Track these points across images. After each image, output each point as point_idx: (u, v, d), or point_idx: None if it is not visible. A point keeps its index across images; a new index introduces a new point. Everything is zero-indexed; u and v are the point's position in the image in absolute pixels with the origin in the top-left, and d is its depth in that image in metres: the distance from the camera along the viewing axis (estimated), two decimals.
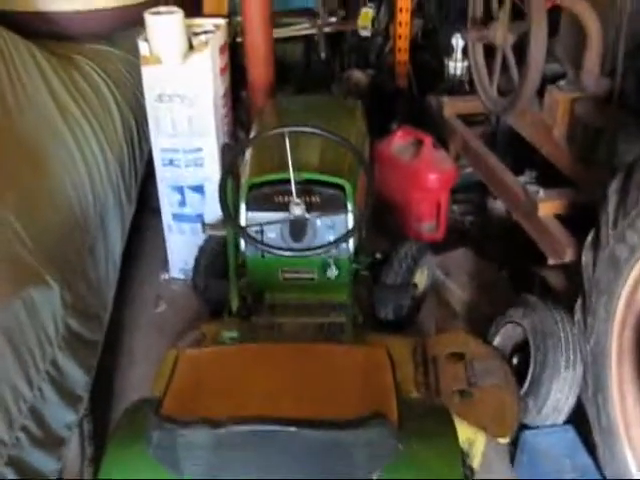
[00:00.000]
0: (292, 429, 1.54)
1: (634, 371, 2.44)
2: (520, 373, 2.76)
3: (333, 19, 5.14)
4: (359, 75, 5.12)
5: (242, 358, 2.06)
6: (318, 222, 2.54)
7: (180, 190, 3.61)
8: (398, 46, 4.94)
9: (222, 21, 3.66)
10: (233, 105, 3.85)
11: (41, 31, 3.57)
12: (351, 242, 2.58)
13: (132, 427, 1.87)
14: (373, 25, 5.21)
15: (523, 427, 2.66)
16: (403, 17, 4.86)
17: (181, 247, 3.75)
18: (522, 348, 2.84)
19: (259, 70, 3.82)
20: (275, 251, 2.39)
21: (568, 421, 2.68)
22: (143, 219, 4.11)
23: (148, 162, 3.75)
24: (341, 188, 2.58)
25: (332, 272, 2.61)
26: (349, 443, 1.59)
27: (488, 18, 3.46)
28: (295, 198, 2.45)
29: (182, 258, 3.76)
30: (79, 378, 2.48)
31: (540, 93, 3.24)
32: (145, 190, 3.87)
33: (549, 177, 3.30)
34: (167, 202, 3.66)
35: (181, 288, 3.79)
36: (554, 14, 3.11)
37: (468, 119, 4.11)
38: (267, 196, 2.59)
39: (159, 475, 1.67)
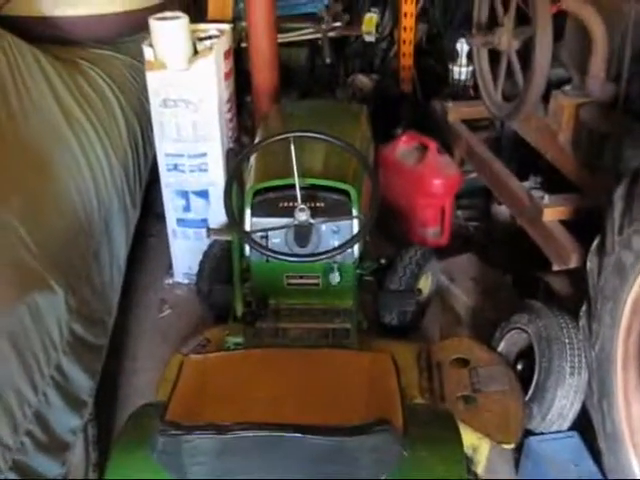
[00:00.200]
0: (297, 435, 1.54)
1: (639, 377, 2.43)
2: (525, 379, 2.76)
3: (337, 24, 5.13)
4: (363, 80, 5.12)
5: (247, 363, 2.06)
6: (323, 227, 2.54)
7: (184, 195, 3.61)
8: (402, 51, 4.95)
9: (227, 26, 3.66)
10: (238, 110, 3.85)
11: (45, 36, 3.57)
12: (356, 248, 2.58)
13: (137, 432, 1.87)
14: (377, 30, 5.21)
15: (528, 433, 2.66)
16: (407, 22, 4.87)
17: (185, 252, 3.75)
18: (527, 354, 2.84)
19: (264, 75, 3.82)
20: (280, 257, 2.39)
21: (573, 427, 2.67)
22: (147, 224, 4.12)
23: (152, 167, 3.75)
24: (346, 193, 2.58)
25: (337, 278, 2.61)
26: (354, 449, 1.59)
27: (493, 23, 3.46)
28: (300, 203, 2.44)
29: (186, 263, 3.76)
30: (84, 383, 2.48)
31: (545, 98, 3.24)
32: (149, 195, 3.87)
33: (554, 182, 3.29)
34: (171, 207, 3.66)
35: (185, 293, 3.79)
36: (559, 19, 3.10)
37: (473, 124, 4.11)
38: (272, 201, 2.58)
39: None
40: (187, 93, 3.36)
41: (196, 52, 3.36)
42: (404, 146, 4.02)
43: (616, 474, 2.49)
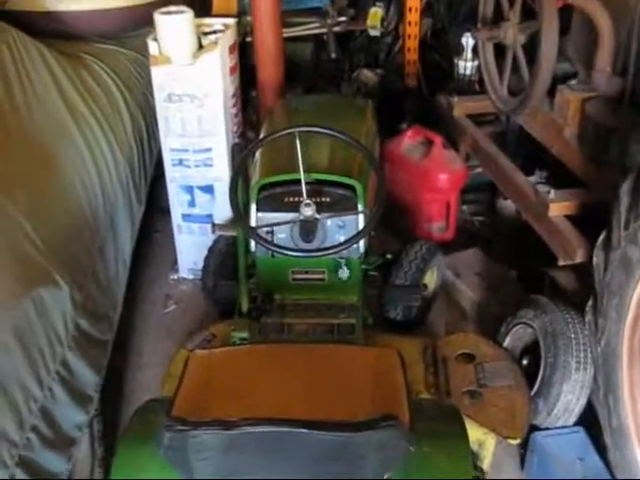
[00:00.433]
0: (304, 431, 1.54)
1: None
2: (530, 374, 2.75)
3: (343, 18, 5.12)
4: (368, 74, 5.11)
5: (252, 359, 2.06)
6: (328, 222, 2.53)
7: (190, 190, 3.61)
8: (407, 45, 4.93)
9: (231, 21, 3.65)
10: (243, 105, 3.84)
11: (49, 31, 3.57)
12: (362, 243, 2.57)
13: (142, 428, 1.88)
14: (382, 24, 5.20)
15: (533, 428, 2.66)
16: (412, 16, 4.85)
17: (190, 247, 3.75)
18: (532, 349, 2.84)
19: (269, 69, 3.81)
20: (285, 252, 2.38)
21: (578, 423, 2.67)
22: (152, 219, 4.12)
23: (157, 162, 3.75)
24: (352, 188, 2.57)
25: (342, 273, 2.60)
26: (360, 445, 1.59)
27: (498, 17, 3.45)
28: (305, 198, 2.43)
29: (191, 258, 3.76)
30: (89, 378, 2.49)
31: (551, 93, 3.22)
32: (154, 190, 3.87)
33: (559, 177, 3.29)
34: (176, 202, 3.66)
35: (190, 288, 3.79)
36: (565, 13, 3.09)
37: (478, 119, 4.10)
38: (277, 196, 2.58)
39: (169, 476, 1.68)
40: (192, 88, 3.36)
41: (201, 47, 3.35)
42: (409, 141, 4.01)
43: (622, 469, 2.49)
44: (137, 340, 3.45)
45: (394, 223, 3.75)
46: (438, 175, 3.83)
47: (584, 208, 3.03)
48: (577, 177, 3.13)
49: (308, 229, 2.49)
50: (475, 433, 2.42)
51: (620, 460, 2.49)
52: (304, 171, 2.44)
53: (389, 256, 3.18)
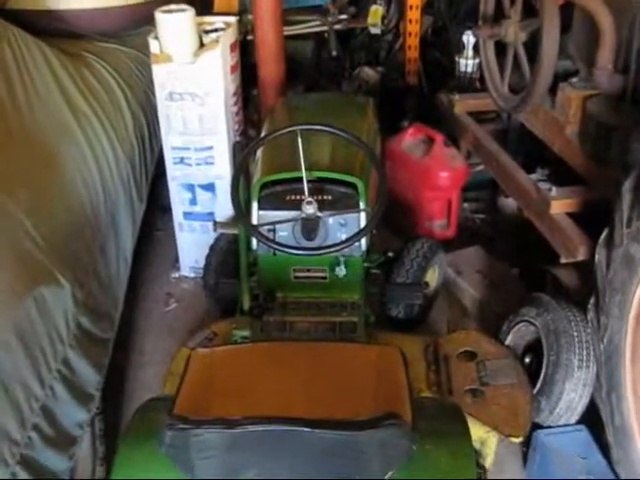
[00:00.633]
0: (306, 429, 1.53)
1: None
2: (532, 372, 2.75)
3: (343, 16, 5.11)
4: (369, 72, 5.10)
5: (254, 357, 2.06)
6: (330, 221, 2.53)
7: (191, 188, 3.60)
8: (408, 43, 4.93)
9: (233, 19, 3.64)
10: (244, 103, 3.84)
11: (50, 29, 3.57)
12: (363, 241, 2.57)
13: (144, 426, 1.87)
14: (383, 22, 5.20)
15: (536, 427, 2.65)
16: (413, 14, 4.85)
17: (192, 245, 3.74)
18: (534, 347, 2.83)
19: (270, 68, 3.80)
20: (287, 250, 2.38)
21: (581, 421, 2.67)
22: (154, 218, 4.12)
23: (158, 161, 3.75)
24: (353, 186, 2.57)
25: (344, 271, 2.60)
26: (363, 443, 1.59)
27: (499, 15, 3.44)
28: (307, 196, 2.43)
29: (192, 256, 3.76)
30: (90, 376, 2.49)
31: (552, 90, 3.22)
32: (155, 189, 3.87)
33: (561, 175, 3.28)
34: (178, 200, 3.66)
35: (191, 287, 3.79)
36: (566, 10, 3.08)
37: (479, 117, 4.10)
38: (279, 194, 2.57)
39: (171, 475, 1.67)
40: (193, 86, 3.36)
41: (202, 45, 3.35)
42: (410, 139, 4.01)
43: (624, 467, 2.49)
44: (138, 338, 3.44)
45: (395, 221, 3.75)
46: (439, 173, 3.83)
47: (586, 206, 3.03)
48: (578, 175, 3.13)
49: (310, 227, 2.48)
50: (477, 431, 2.42)
51: (623, 458, 2.49)
52: (306, 169, 2.44)
53: (391, 254, 3.18)
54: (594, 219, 2.73)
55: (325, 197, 2.54)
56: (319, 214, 2.45)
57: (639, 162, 2.35)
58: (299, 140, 2.43)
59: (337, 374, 1.91)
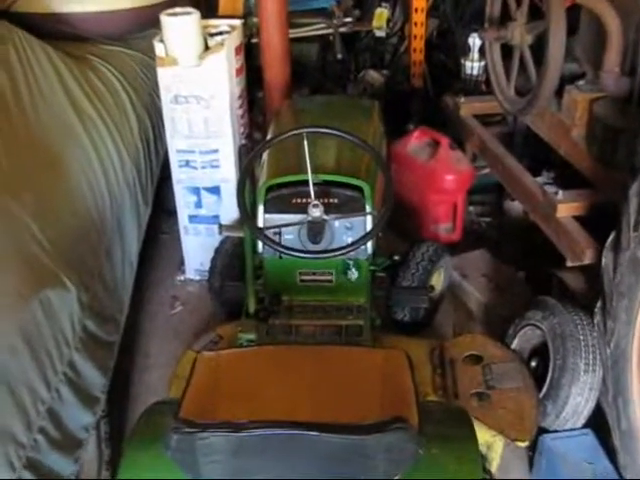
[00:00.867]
0: (313, 433, 1.53)
1: None
2: (538, 376, 2.74)
3: (348, 19, 5.11)
4: (374, 75, 5.10)
5: (260, 361, 2.06)
6: (336, 224, 2.52)
7: (196, 191, 3.60)
8: (413, 46, 4.92)
9: (238, 22, 3.65)
10: (249, 106, 3.84)
11: (55, 32, 3.57)
12: (369, 244, 2.56)
13: (150, 429, 1.87)
14: (388, 25, 5.20)
15: (542, 431, 2.64)
16: (418, 17, 4.84)
17: (197, 248, 3.74)
18: (541, 351, 2.82)
19: (275, 70, 3.80)
20: (293, 253, 2.37)
21: (587, 425, 2.66)
22: (159, 221, 4.12)
23: (163, 164, 3.75)
24: (359, 189, 2.57)
25: (350, 274, 2.60)
26: (370, 447, 1.58)
27: (506, 17, 3.43)
28: (313, 200, 2.42)
29: (198, 259, 3.76)
30: (96, 379, 2.48)
31: (558, 93, 3.21)
32: (161, 192, 3.87)
33: (567, 178, 3.27)
34: (183, 203, 3.66)
35: (197, 290, 3.79)
36: (573, 13, 3.08)
37: (485, 119, 4.09)
38: (285, 198, 2.57)
39: (176, 478, 1.66)
40: (198, 89, 3.36)
41: (207, 48, 3.35)
42: (416, 142, 4.00)
43: (631, 472, 2.48)
44: (144, 341, 3.44)
45: (401, 224, 3.74)
46: (445, 176, 3.82)
47: (592, 209, 3.02)
48: (585, 178, 3.12)
49: (316, 230, 2.48)
50: (483, 435, 2.41)
51: (629, 463, 2.48)
52: (312, 172, 2.43)
53: (396, 257, 3.17)
54: (601, 222, 2.72)
55: (331, 200, 2.54)
56: (325, 217, 2.45)
57: None
58: (305, 143, 2.43)
59: (343, 378, 1.91)
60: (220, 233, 3.14)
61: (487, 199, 4.27)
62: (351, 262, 2.59)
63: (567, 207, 3.03)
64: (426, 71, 5.01)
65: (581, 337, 2.61)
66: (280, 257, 2.59)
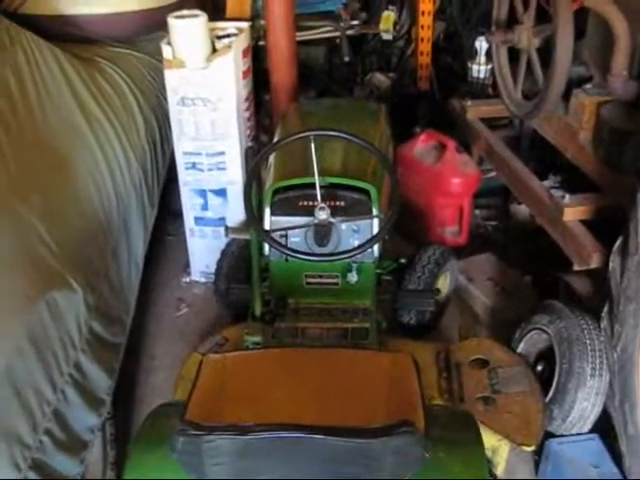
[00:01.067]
0: (319, 436, 1.53)
1: None
2: (545, 380, 2.73)
3: (355, 22, 5.12)
4: (381, 78, 5.11)
5: (266, 363, 2.05)
6: (343, 227, 2.52)
7: (202, 194, 3.61)
8: (420, 49, 4.93)
9: (245, 24, 3.65)
10: (256, 108, 3.84)
11: (63, 34, 3.58)
12: (376, 247, 2.56)
13: (155, 432, 1.88)
14: (395, 28, 5.20)
15: (548, 435, 2.63)
16: (425, 20, 4.85)
17: (203, 251, 3.74)
18: (547, 355, 2.82)
19: (282, 73, 3.81)
20: (299, 256, 2.37)
21: (594, 430, 2.65)
22: (165, 223, 4.12)
23: (170, 165, 3.75)
24: (366, 192, 2.56)
25: (356, 277, 2.59)
26: (376, 451, 1.58)
27: (513, 21, 3.43)
28: (320, 202, 2.42)
29: (203, 262, 3.76)
30: (102, 381, 2.49)
31: (565, 97, 3.21)
32: (167, 194, 3.87)
33: (574, 182, 3.27)
34: (189, 206, 3.66)
35: (202, 292, 3.79)
36: (580, 16, 3.07)
37: (491, 123, 4.08)
38: (291, 200, 2.57)
39: None
40: (205, 91, 3.36)
41: (214, 50, 3.36)
42: (422, 145, 4.00)
43: (638, 477, 2.47)
44: (149, 343, 3.44)
45: (407, 227, 3.74)
46: (451, 179, 3.82)
47: (599, 213, 3.01)
48: (592, 181, 3.12)
49: (322, 233, 2.48)
50: (489, 440, 2.40)
51: (636, 468, 2.47)
52: (318, 175, 2.43)
53: (403, 260, 3.17)
54: (608, 226, 2.71)
55: (338, 203, 2.54)
56: (332, 220, 2.44)
57: None
58: (312, 146, 2.43)
59: (349, 381, 1.91)
60: (226, 235, 3.14)
61: (493, 202, 4.26)
62: (357, 265, 2.58)
63: (574, 211, 3.03)
64: (433, 74, 5.01)
65: (588, 341, 2.60)
66: (286, 260, 2.58)
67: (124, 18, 3.84)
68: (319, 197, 2.43)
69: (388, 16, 5.12)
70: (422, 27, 4.86)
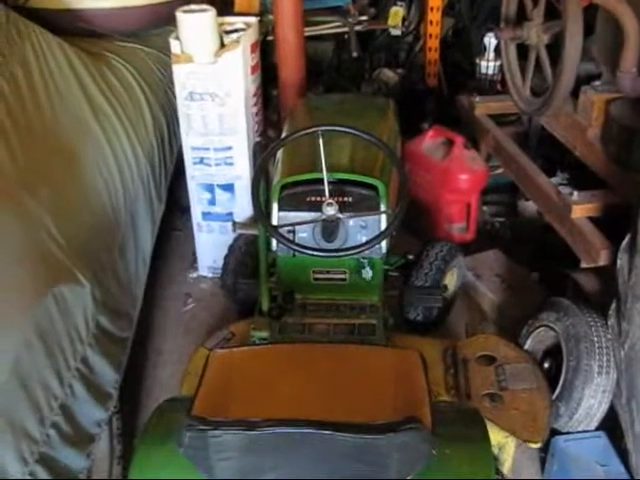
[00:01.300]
0: (326, 432, 1.53)
1: None
2: (552, 377, 2.73)
3: (364, 18, 5.11)
4: (389, 74, 5.10)
5: (273, 359, 2.06)
6: (351, 222, 2.52)
7: (210, 189, 3.60)
8: (428, 45, 4.93)
9: (253, 19, 3.65)
10: (264, 104, 3.84)
11: (72, 28, 3.59)
12: (384, 243, 2.55)
13: (162, 426, 1.88)
14: (403, 24, 5.20)
15: (554, 432, 2.63)
16: (434, 16, 4.84)
17: (210, 246, 3.74)
18: (554, 352, 2.81)
19: (290, 68, 3.81)
20: (307, 251, 2.37)
21: (600, 427, 2.65)
22: (172, 218, 4.13)
23: (177, 160, 3.75)
24: (374, 188, 2.56)
25: (364, 273, 2.59)
26: (383, 447, 1.58)
27: (522, 17, 3.42)
28: (328, 198, 2.42)
29: (211, 257, 3.76)
30: (109, 375, 2.49)
31: (574, 93, 3.20)
32: (174, 189, 3.87)
33: (582, 178, 3.26)
34: (197, 201, 3.66)
35: (210, 287, 3.79)
36: (590, 12, 3.06)
37: (499, 119, 4.07)
38: (299, 196, 2.57)
39: (189, 475, 1.67)
40: (214, 86, 3.36)
41: (223, 45, 3.35)
42: (430, 141, 3.99)
43: None
44: (156, 338, 3.45)
45: (414, 224, 3.74)
46: (459, 176, 3.81)
47: (607, 210, 3.00)
48: (600, 179, 3.11)
49: (330, 229, 2.47)
50: (495, 436, 2.40)
51: None
52: (326, 170, 2.43)
53: (410, 257, 3.16)
54: (616, 224, 2.70)
55: (346, 199, 2.54)
56: (339, 216, 2.44)
57: None
58: (320, 141, 2.42)
59: (356, 377, 1.91)
60: (234, 230, 3.14)
61: (501, 199, 4.25)
62: (365, 261, 2.58)
63: (582, 208, 3.02)
64: (441, 70, 5.01)
65: (595, 339, 2.60)
66: (294, 255, 2.59)
67: (132, 12, 3.84)
68: (327, 193, 2.42)
69: (397, 12, 5.12)
70: (431, 23, 4.86)
